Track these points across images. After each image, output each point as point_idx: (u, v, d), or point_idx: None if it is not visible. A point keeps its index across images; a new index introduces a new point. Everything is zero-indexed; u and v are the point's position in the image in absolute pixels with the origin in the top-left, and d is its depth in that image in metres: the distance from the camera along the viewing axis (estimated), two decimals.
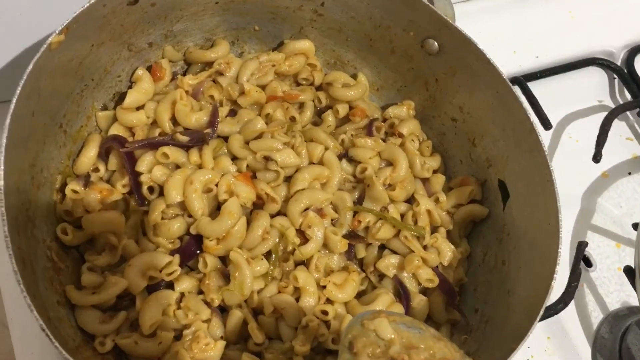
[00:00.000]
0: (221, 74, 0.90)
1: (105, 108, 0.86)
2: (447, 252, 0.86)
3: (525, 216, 0.82)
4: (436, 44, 0.88)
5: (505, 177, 0.87)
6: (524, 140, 0.82)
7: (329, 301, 0.80)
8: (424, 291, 0.85)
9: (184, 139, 0.82)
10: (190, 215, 0.79)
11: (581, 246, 0.94)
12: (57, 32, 0.68)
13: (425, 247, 0.85)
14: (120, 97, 0.87)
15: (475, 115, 0.90)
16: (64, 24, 0.70)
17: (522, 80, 1.11)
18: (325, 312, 0.78)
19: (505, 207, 0.86)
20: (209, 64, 0.91)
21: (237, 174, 0.83)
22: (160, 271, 0.77)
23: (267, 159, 0.83)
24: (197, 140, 0.83)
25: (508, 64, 1.16)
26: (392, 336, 0.58)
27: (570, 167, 1.08)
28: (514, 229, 0.84)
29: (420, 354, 0.57)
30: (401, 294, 0.83)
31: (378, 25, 0.91)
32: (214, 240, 0.78)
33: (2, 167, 0.62)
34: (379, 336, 0.58)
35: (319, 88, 0.96)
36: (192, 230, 0.78)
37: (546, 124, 1.04)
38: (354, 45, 0.96)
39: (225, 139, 0.86)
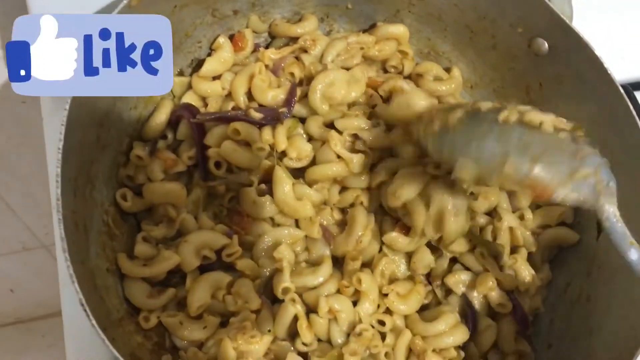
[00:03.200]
0: (305, 51, 0.84)
1: (181, 73, 0.83)
2: (526, 276, 0.77)
3: None
4: (546, 44, 0.79)
5: None
6: (632, 164, 0.72)
7: (388, 311, 0.74)
8: (494, 315, 0.77)
9: (257, 116, 0.77)
10: None
11: None
12: None
13: (501, 268, 0.77)
14: (198, 64, 0.83)
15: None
16: None
17: (629, 89, 0.99)
18: (382, 323, 0.72)
19: (600, 236, 0.77)
20: (294, 39, 0.86)
21: None
22: (220, 251, 0.74)
23: (355, 137, 0.78)
24: (271, 118, 0.78)
25: (615, 70, 1.04)
26: None
27: None
28: (607, 263, 0.74)
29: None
30: (468, 314, 0.76)
31: (482, 17, 0.82)
32: None
33: (64, 123, 0.59)
34: None
35: (407, 78, 0.89)
36: None
37: None
38: (452, 36, 0.87)
39: (300, 119, 0.81)
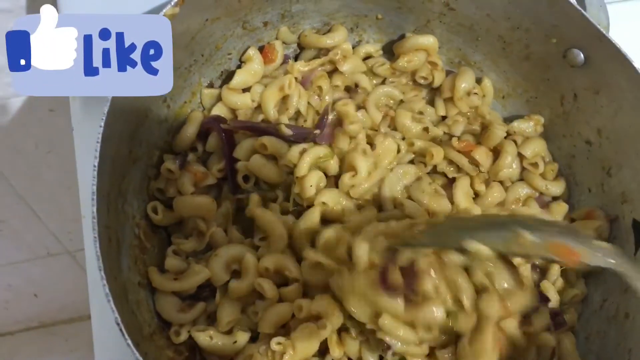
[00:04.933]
0: (334, 64, 0.84)
1: (211, 86, 0.82)
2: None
3: None
4: (582, 55, 0.77)
5: None
6: None
7: None
8: None
9: (288, 132, 0.77)
10: None
11: None
12: (172, 3, 0.64)
13: None
14: (228, 76, 0.82)
15: (615, 141, 0.78)
16: None
17: None
18: None
19: (638, 252, 0.75)
20: (323, 50, 0.85)
21: None
22: None
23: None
24: (301, 137, 0.77)
25: None
26: None
27: None
28: None
29: None
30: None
31: (516, 27, 0.81)
32: None
33: (100, 140, 0.59)
34: None
35: (437, 89, 0.87)
36: None
37: None
38: (484, 46, 0.86)
39: None
